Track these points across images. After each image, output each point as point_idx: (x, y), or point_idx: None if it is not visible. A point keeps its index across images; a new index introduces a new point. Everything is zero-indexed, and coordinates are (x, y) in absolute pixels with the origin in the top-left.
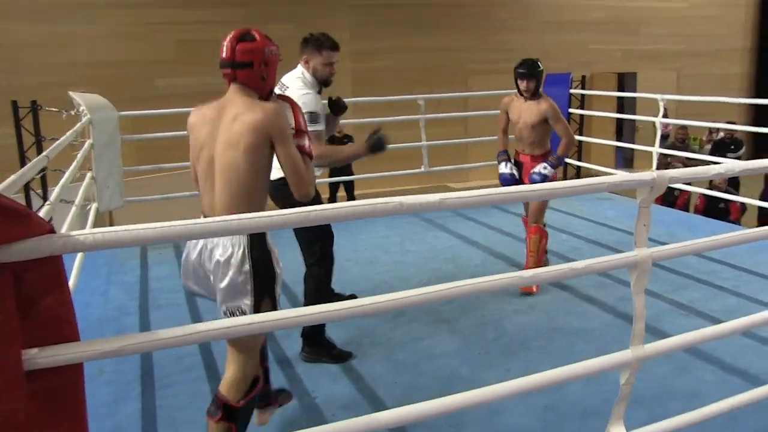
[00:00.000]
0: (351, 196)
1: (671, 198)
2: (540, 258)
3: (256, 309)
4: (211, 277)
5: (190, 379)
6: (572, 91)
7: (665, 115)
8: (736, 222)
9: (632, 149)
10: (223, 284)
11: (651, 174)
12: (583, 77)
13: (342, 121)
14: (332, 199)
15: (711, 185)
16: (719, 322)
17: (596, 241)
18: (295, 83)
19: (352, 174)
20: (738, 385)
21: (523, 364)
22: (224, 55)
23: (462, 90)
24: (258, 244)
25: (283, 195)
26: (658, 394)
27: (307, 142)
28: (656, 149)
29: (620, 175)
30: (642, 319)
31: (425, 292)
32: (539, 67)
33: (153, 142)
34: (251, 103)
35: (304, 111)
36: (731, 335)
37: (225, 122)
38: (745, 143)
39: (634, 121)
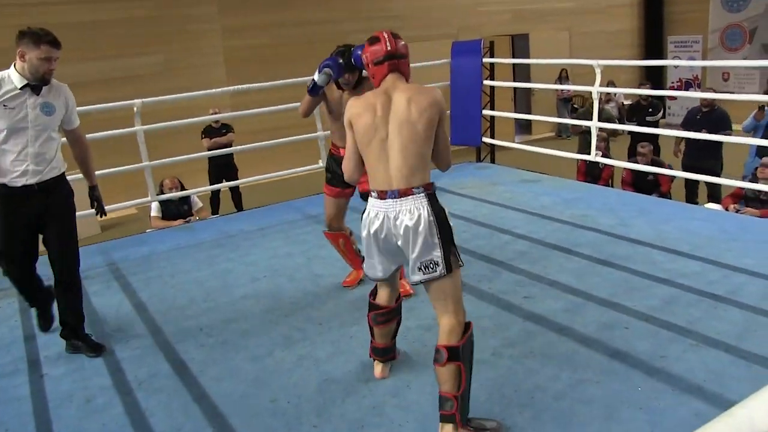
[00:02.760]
0: (238, 202)
1: (596, 172)
2: (352, 257)
3: (446, 258)
4: (400, 242)
5: None
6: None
7: (566, 79)
8: (667, 194)
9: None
10: (419, 243)
11: None
12: (491, 43)
13: (219, 115)
14: (215, 201)
15: (636, 157)
16: None
17: (542, 241)
18: None
19: (236, 178)
20: None
21: None
22: (390, 48)
23: None
24: (436, 204)
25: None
26: None
27: None
28: (595, 123)
29: None
30: None
31: None
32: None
33: None
34: (416, 87)
35: None
36: None
37: (398, 105)
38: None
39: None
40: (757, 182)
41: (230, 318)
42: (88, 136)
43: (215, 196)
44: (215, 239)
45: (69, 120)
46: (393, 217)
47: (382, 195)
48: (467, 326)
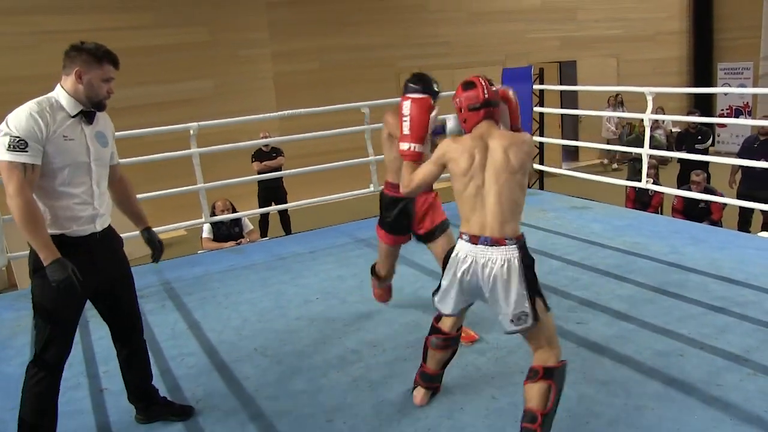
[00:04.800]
0: (286, 225)
1: (645, 199)
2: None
3: (534, 308)
4: (486, 289)
5: None
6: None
7: (622, 105)
8: (719, 222)
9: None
10: (510, 296)
11: None
12: (541, 70)
13: (270, 139)
14: (264, 224)
15: (688, 184)
16: None
17: (594, 267)
18: None
19: (285, 201)
20: None
21: None
22: (486, 95)
23: (395, 89)
24: (527, 255)
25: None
26: None
27: None
28: (646, 150)
29: None
30: None
31: None
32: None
33: None
34: (510, 135)
35: None
36: None
37: (496, 152)
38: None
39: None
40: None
41: (285, 339)
42: (144, 158)
43: (265, 218)
44: (267, 261)
45: (113, 153)
46: (482, 263)
47: (474, 240)
48: (561, 361)
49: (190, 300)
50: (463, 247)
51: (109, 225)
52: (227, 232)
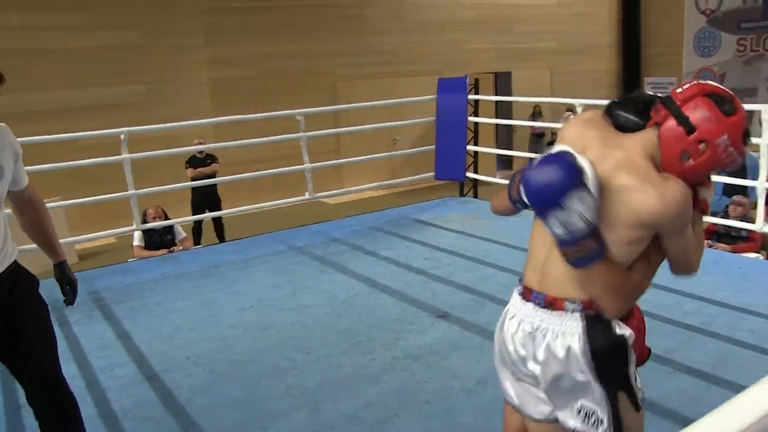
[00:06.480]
0: (220, 233)
1: None
2: None
3: (614, 411)
4: (538, 372)
5: None
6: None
7: (540, 114)
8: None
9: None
10: (574, 386)
11: None
12: (476, 81)
13: (204, 146)
14: (197, 231)
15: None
16: None
17: None
18: None
19: (219, 209)
20: None
21: None
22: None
23: (333, 98)
24: (598, 331)
25: None
26: None
27: None
28: None
29: None
30: None
31: None
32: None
33: None
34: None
35: None
36: None
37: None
38: None
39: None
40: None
41: (217, 347)
42: (72, 163)
43: (198, 226)
44: (201, 269)
45: (18, 177)
46: (529, 331)
47: (527, 294)
48: None
49: (120, 309)
50: (514, 303)
51: (13, 264)
52: (159, 240)
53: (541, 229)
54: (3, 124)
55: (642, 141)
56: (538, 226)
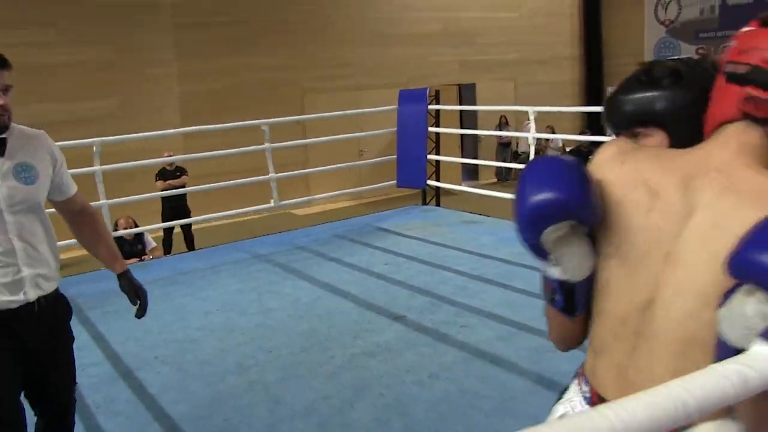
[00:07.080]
0: (190, 243)
1: None
2: None
3: None
4: None
5: None
6: (437, 107)
7: (506, 124)
8: None
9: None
10: None
11: None
12: (437, 92)
13: (174, 157)
14: (168, 242)
15: None
16: None
17: (481, 276)
18: None
19: (188, 215)
20: None
21: None
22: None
23: (300, 110)
24: None
25: None
26: None
27: None
28: None
29: None
30: None
31: None
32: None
33: None
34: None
35: None
36: None
37: (702, 225)
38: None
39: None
40: None
41: (185, 347)
42: None
43: (169, 237)
44: (169, 276)
45: (61, 184)
46: None
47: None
48: None
49: (94, 314)
50: (570, 402)
51: (55, 291)
52: (130, 250)
53: (623, 302)
54: (41, 130)
55: (730, 148)
56: (618, 292)
